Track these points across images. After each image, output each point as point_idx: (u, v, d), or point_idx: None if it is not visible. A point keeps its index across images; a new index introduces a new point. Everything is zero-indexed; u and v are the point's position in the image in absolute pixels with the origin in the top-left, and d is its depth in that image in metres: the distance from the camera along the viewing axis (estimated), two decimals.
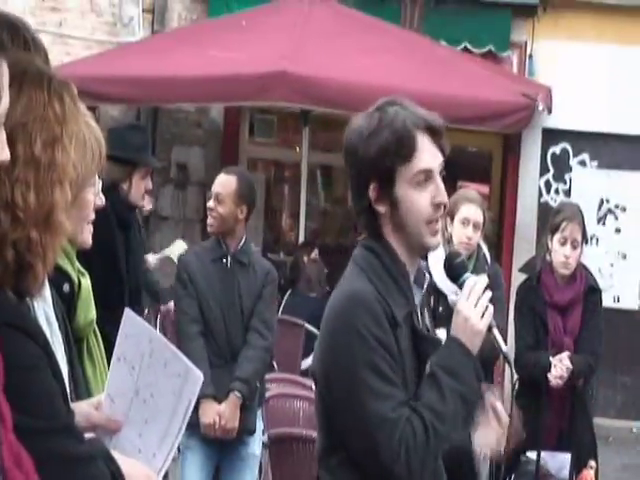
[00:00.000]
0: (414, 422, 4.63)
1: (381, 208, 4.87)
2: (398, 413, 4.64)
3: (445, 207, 5.03)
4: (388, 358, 4.68)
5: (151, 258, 13.78)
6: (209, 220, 9.61)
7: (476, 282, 4.91)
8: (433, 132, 4.86)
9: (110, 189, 8.27)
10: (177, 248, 15.27)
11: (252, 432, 9.44)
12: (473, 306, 4.80)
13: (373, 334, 4.66)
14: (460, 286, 5.01)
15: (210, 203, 9.56)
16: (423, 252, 5.18)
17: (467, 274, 5.07)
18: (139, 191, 9.25)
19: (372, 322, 4.68)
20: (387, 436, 4.60)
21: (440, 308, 5.71)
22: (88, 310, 4.57)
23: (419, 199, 4.85)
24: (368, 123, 4.90)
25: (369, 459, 4.71)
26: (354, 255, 5.04)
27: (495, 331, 4.86)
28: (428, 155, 4.85)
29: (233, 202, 9.49)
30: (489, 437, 4.99)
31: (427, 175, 4.86)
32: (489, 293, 4.85)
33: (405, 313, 4.85)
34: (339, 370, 4.72)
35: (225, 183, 9.59)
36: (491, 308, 4.80)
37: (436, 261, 5.29)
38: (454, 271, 5.12)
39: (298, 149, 19.48)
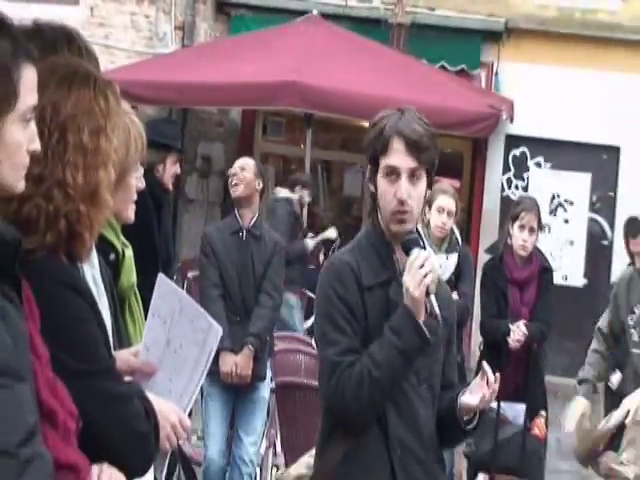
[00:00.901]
0: (355, 367, 4.75)
1: (372, 187, 5.02)
2: (341, 358, 4.77)
3: (403, 204, 4.99)
4: (345, 312, 4.82)
5: (310, 241, 13.93)
6: (234, 186, 9.65)
7: (416, 256, 4.90)
8: (407, 141, 4.90)
9: (146, 172, 8.17)
10: (330, 233, 15.77)
11: (263, 379, 9.47)
12: (411, 277, 4.81)
13: (336, 293, 4.85)
14: (407, 252, 5.08)
15: (235, 170, 9.68)
16: (392, 236, 5.11)
17: (414, 249, 5.02)
18: (170, 174, 9.29)
19: (337, 283, 4.87)
20: (327, 376, 4.80)
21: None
22: (130, 275, 4.58)
23: (387, 190, 4.95)
24: (375, 120, 5.03)
25: (322, 394, 4.94)
26: (356, 238, 5.15)
27: (432, 297, 4.82)
28: (396, 156, 4.92)
29: (253, 173, 9.64)
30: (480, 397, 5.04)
31: (394, 171, 4.93)
32: (429, 265, 4.84)
33: (382, 280, 4.95)
34: (315, 324, 5.05)
35: (245, 161, 9.88)
36: (429, 277, 4.79)
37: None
38: (405, 246, 5.10)
39: (302, 146, 19.39)
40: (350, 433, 4.82)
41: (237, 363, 9.13)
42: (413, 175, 4.92)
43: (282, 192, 15.56)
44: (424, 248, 5.18)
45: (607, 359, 8.73)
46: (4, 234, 2.81)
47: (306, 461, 5.07)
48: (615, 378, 8.54)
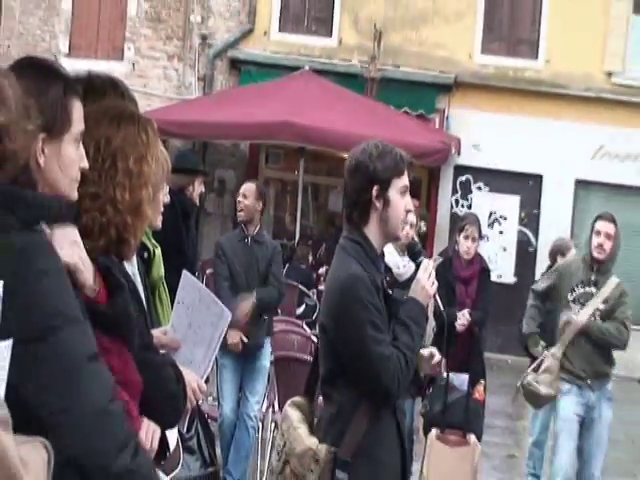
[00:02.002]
0: (400, 357, 4.65)
1: (378, 204, 4.80)
2: (390, 351, 4.65)
3: (409, 212, 5.18)
4: (378, 315, 4.68)
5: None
6: (239, 212, 9.58)
7: (429, 264, 4.99)
8: (408, 166, 4.93)
9: (179, 191, 8.59)
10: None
11: (261, 346, 9.39)
12: (427, 278, 4.87)
13: (369, 301, 4.66)
14: (417, 264, 5.12)
15: (239, 198, 9.53)
16: (393, 240, 5.21)
17: (422, 257, 5.13)
18: (197, 193, 9.35)
19: (367, 293, 4.68)
20: (387, 367, 4.60)
21: (387, 277, 5.72)
22: (159, 270, 4.60)
23: (400, 204, 4.85)
24: (373, 150, 4.85)
25: (372, 383, 4.67)
26: (342, 245, 4.94)
27: (437, 296, 4.99)
28: (406, 177, 4.89)
29: (254, 198, 9.47)
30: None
31: (406, 189, 4.90)
32: (434, 272, 4.94)
33: (379, 281, 4.83)
34: (351, 328, 4.67)
35: (249, 186, 9.64)
36: (436, 282, 4.91)
37: (388, 247, 5.29)
38: (415, 255, 5.24)
39: (296, 172, 19.40)
40: (372, 411, 4.72)
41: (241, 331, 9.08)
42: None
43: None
44: (424, 255, 5.29)
45: (542, 311, 8.75)
46: (68, 209, 2.90)
47: (307, 435, 4.88)
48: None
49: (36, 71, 2.98)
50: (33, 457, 2.33)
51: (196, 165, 9.74)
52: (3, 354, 2.41)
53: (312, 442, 4.68)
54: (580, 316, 8.41)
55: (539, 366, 8.72)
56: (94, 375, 2.69)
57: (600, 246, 8.50)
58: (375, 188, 4.79)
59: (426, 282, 4.87)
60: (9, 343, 2.43)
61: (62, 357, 2.63)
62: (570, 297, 8.52)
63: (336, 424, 4.73)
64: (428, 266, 4.95)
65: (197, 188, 9.34)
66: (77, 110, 2.98)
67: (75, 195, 3.00)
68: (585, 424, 8.54)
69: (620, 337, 8.69)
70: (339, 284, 4.80)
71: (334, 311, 4.79)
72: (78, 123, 2.98)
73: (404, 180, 4.87)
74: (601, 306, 8.48)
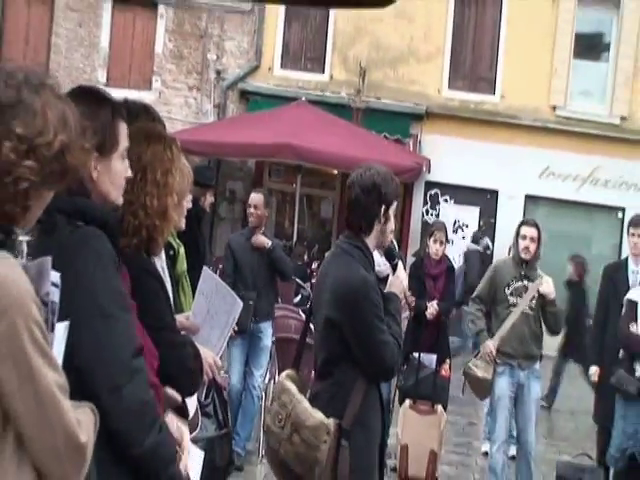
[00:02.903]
0: (395, 343, 4.71)
1: (382, 220, 4.85)
2: (389, 338, 4.68)
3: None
4: (380, 309, 4.72)
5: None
6: (250, 219, 9.44)
7: (400, 266, 5.12)
8: None
9: (193, 201, 8.42)
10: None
11: (269, 317, 9.41)
12: (403, 278, 5.05)
13: (376, 299, 4.70)
14: (394, 265, 5.17)
15: (251, 209, 9.40)
16: (382, 247, 5.17)
17: (397, 260, 5.21)
18: (208, 203, 9.31)
19: (374, 293, 4.71)
20: (389, 351, 4.66)
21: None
22: (182, 265, 4.63)
23: (393, 221, 4.96)
24: (385, 176, 4.90)
25: (378, 364, 4.71)
26: (345, 249, 4.90)
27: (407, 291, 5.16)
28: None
29: (263, 207, 9.37)
30: None
31: (394, 212, 4.98)
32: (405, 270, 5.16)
33: (377, 282, 4.87)
34: (363, 322, 4.67)
35: (259, 198, 9.45)
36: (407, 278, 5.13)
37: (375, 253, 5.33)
38: (392, 257, 5.23)
39: (294, 185, 19.38)
40: (368, 385, 4.74)
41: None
42: None
43: (472, 246, 15.09)
44: (399, 257, 5.40)
45: (484, 314, 8.72)
46: (113, 218, 2.99)
47: (313, 409, 4.80)
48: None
49: (89, 98, 3.00)
50: (85, 418, 2.37)
51: (208, 180, 9.71)
52: (61, 333, 2.43)
53: (321, 416, 4.64)
54: (519, 305, 8.41)
55: (478, 354, 8.70)
56: (138, 374, 2.75)
57: (526, 248, 8.46)
58: (383, 208, 4.84)
59: (404, 279, 5.01)
60: (66, 324, 2.45)
61: (106, 345, 2.69)
62: (507, 291, 8.50)
63: (337, 399, 4.72)
64: (401, 268, 5.11)
65: (208, 199, 9.32)
66: (123, 130, 3.01)
67: (121, 201, 3.06)
68: (517, 399, 8.52)
69: (560, 324, 8.84)
70: (351, 286, 4.73)
71: (346, 308, 4.71)
72: (124, 141, 3.02)
73: (395, 204, 4.97)
74: (535, 299, 8.43)
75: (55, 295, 2.39)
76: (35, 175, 2.27)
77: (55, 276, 2.40)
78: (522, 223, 8.76)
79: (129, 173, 3.04)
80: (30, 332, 2.18)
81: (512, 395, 8.48)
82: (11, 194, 2.25)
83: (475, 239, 15.89)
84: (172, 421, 3.28)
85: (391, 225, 4.94)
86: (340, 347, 4.74)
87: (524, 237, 8.51)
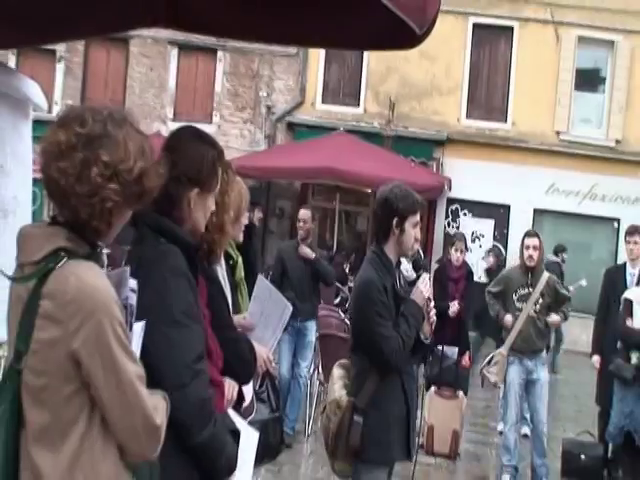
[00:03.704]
0: (399, 339, 4.66)
1: (396, 231, 4.82)
2: (391, 333, 4.65)
3: (417, 240, 5.10)
4: (384, 308, 4.69)
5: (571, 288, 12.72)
6: (300, 232, 9.37)
7: (426, 277, 4.98)
8: (421, 206, 4.98)
9: None
10: (582, 282, 14.02)
11: (313, 316, 9.31)
12: (424, 288, 4.86)
13: (378, 298, 4.68)
14: (418, 275, 5.11)
15: (300, 224, 9.36)
16: (404, 256, 5.15)
17: (421, 271, 5.16)
18: (257, 217, 9.42)
19: (377, 292, 4.69)
20: (388, 345, 4.64)
21: (402, 280, 5.74)
22: (240, 272, 4.61)
23: (411, 233, 4.87)
24: (397, 192, 4.85)
25: (377, 355, 4.70)
26: (368, 256, 4.95)
27: (430, 298, 4.93)
28: (418, 215, 4.93)
29: (310, 222, 9.39)
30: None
31: (417, 223, 4.91)
32: (430, 283, 4.98)
33: (391, 284, 4.79)
34: (364, 316, 4.72)
35: (307, 214, 9.43)
36: (430, 289, 4.94)
37: (403, 260, 5.30)
38: (418, 268, 5.37)
39: (334, 203, 19.34)
40: (382, 374, 4.75)
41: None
42: None
43: (552, 258, 14.87)
44: (425, 269, 5.45)
45: (497, 302, 8.67)
46: (194, 244, 2.98)
47: (339, 389, 4.91)
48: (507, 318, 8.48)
49: (198, 138, 3.03)
50: (160, 404, 2.41)
51: (255, 198, 9.71)
52: (139, 331, 2.49)
53: (340, 394, 4.79)
54: (525, 310, 8.35)
55: (490, 361, 8.62)
56: (200, 375, 2.75)
57: (530, 257, 8.43)
58: (395, 220, 4.80)
59: (424, 289, 4.87)
60: (143, 323, 2.50)
61: (174, 349, 2.70)
62: (515, 297, 8.47)
63: (356, 382, 4.81)
64: (425, 278, 4.98)
65: (256, 214, 9.34)
66: (220, 172, 3.02)
67: (203, 229, 3.06)
68: (528, 385, 8.46)
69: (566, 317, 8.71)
70: (358, 286, 4.88)
71: (355, 304, 4.88)
72: (219, 182, 3.04)
73: (417, 217, 4.90)
74: (540, 300, 8.38)
75: (133, 299, 2.46)
76: (118, 196, 2.31)
77: (133, 283, 2.47)
78: (525, 235, 8.72)
79: (214, 208, 3.04)
80: (114, 330, 2.22)
81: (522, 382, 8.44)
82: (98, 212, 2.29)
83: (556, 251, 15.58)
84: (227, 383, 3.33)
85: (409, 237, 4.86)
86: (356, 339, 4.89)
87: (527, 247, 8.49)
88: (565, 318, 8.63)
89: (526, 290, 8.45)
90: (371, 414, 4.70)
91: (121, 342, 2.24)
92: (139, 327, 2.49)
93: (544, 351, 8.58)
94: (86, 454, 2.25)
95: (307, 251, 9.14)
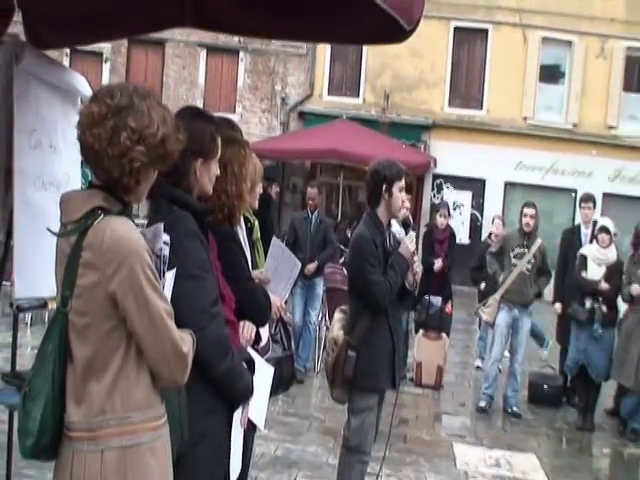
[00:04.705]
0: (386, 283, 4.64)
1: (386, 195, 4.77)
2: (379, 279, 4.64)
3: (404, 202, 5.08)
4: (373, 258, 4.67)
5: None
6: (310, 203, 9.35)
7: (413, 234, 4.97)
8: (405, 174, 4.87)
9: (264, 189, 8.43)
10: None
11: (320, 275, 9.29)
12: (409, 243, 4.83)
13: (369, 250, 4.67)
14: (407, 233, 5.04)
15: (310, 201, 9.35)
16: (394, 217, 5.01)
17: (410, 230, 5.11)
18: (274, 192, 9.36)
19: (367, 245, 4.68)
20: (377, 288, 4.62)
21: (392, 238, 5.68)
22: (257, 234, 4.54)
23: (399, 197, 4.81)
24: (384, 163, 4.83)
25: (368, 297, 4.69)
26: (363, 218, 4.90)
27: (415, 254, 4.88)
28: (404, 180, 4.85)
29: (319, 195, 9.38)
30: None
31: (403, 188, 4.84)
32: (414, 240, 4.91)
33: (381, 241, 4.76)
34: (357, 265, 4.72)
35: (315, 191, 9.41)
36: (414, 244, 4.86)
37: (393, 221, 5.23)
38: (406, 227, 5.12)
39: (339, 179, 19.28)
40: (372, 315, 4.72)
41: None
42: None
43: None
44: (413, 229, 5.34)
45: (497, 262, 8.62)
46: (202, 209, 2.88)
47: (337, 328, 4.91)
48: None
49: (198, 117, 2.96)
50: (187, 337, 2.41)
51: (273, 175, 9.68)
52: (170, 277, 2.50)
53: (337, 333, 4.80)
54: (519, 266, 8.32)
55: (485, 302, 8.64)
56: (216, 317, 2.73)
57: (527, 224, 8.40)
58: (384, 186, 4.76)
59: (409, 244, 4.82)
60: (174, 271, 2.51)
61: (193, 297, 2.68)
62: (512, 254, 8.41)
63: (350, 322, 4.82)
64: (412, 235, 4.94)
65: (274, 189, 9.28)
66: (219, 142, 2.95)
67: (211, 191, 2.99)
68: (513, 329, 8.45)
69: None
70: (352, 240, 4.88)
71: (351, 256, 4.87)
72: (219, 150, 2.96)
73: (402, 182, 4.82)
74: (532, 261, 8.35)
75: (166, 250, 2.47)
76: (144, 157, 2.29)
77: (166, 237, 2.47)
78: (524, 205, 8.66)
79: (218, 172, 2.98)
80: (144, 273, 2.22)
81: (508, 326, 8.43)
82: (127, 171, 2.27)
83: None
84: (246, 325, 3.33)
85: (396, 200, 4.80)
86: (351, 286, 4.87)
87: (525, 215, 8.45)
88: (540, 293, 8.62)
89: (522, 250, 8.40)
90: (362, 349, 4.71)
91: (151, 283, 2.24)
92: (170, 274, 2.49)
93: (531, 303, 8.53)
94: (123, 381, 2.26)
95: (311, 267, 9.00)
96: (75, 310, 2.24)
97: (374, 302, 4.70)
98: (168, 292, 2.45)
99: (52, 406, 2.24)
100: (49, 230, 2.34)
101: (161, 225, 2.49)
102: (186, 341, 2.36)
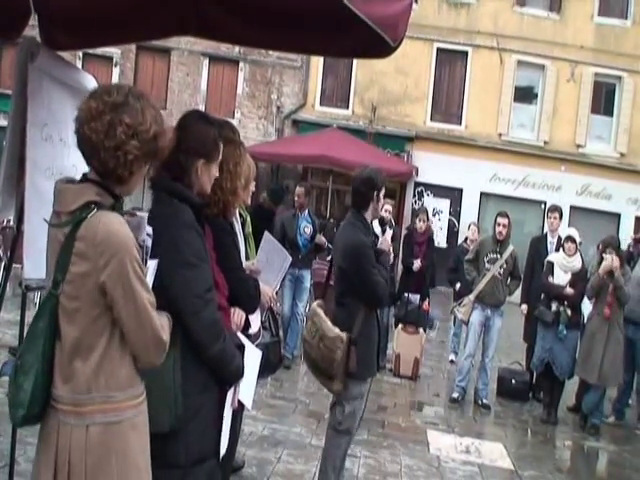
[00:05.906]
0: (383, 282, 4.64)
1: (375, 200, 4.75)
2: (379, 279, 4.62)
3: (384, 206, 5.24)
4: (373, 260, 4.64)
5: None
6: (297, 203, 9.32)
7: (389, 232, 4.99)
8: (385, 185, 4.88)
9: (269, 208, 8.93)
10: None
11: (309, 267, 9.26)
12: (388, 239, 4.90)
13: (369, 253, 4.64)
14: (383, 229, 5.12)
15: (296, 198, 9.31)
16: (376, 217, 4.98)
17: (386, 226, 5.15)
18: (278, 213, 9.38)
19: (368, 249, 4.65)
20: (380, 287, 4.61)
21: (374, 238, 5.65)
22: (249, 227, 4.50)
23: (382, 200, 4.82)
24: (376, 172, 4.80)
25: (373, 295, 4.66)
26: (352, 222, 4.78)
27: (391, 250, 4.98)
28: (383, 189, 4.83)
29: (304, 196, 9.29)
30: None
31: (385, 195, 4.87)
32: (390, 237, 4.96)
33: (371, 241, 4.74)
34: (362, 268, 4.61)
35: (301, 190, 9.38)
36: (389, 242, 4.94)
37: (375, 222, 5.21)
38: (383, 226, 5.16)
39: (328, 182, 19.26)
40: (368, 311, 4.68)
41: None
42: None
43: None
44: (390, 226, 5.32)
45: (475, 269, 8.58)
46: (199, 202, 2.83)
47: (333, 326, 4.72)
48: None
49: (202, 120, 2.93)
50: (165, 322, 2.42)
51: (279, 200, 9.87)
52: (153, 267, 2.51)
53: (337, 331, 4.64)
54: (492, 270, 8.32)
55: (461, 302, 8.65)
56: (210, 303, 2.71)
57: (500, 232, 8.42)
58: (375, 192, 4.73)
59: (386, 241, 4.87)
60: (156, 261, 2.52)
61: (189, 284, 2.65)
62: (486, 259, 8.42)
63: (349, 320, 4.69)
64: (389, 233, 4.97)
65: (278, 212, 9.23)
66: (221, 146, 2.94)
67: (209, 191, 2.96)
68: (485, 327, 8.45)
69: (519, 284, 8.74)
70: (355, 246, 4.66)
71: (352, 260, 4.65)
72: (221, 154, 2.95)
73: (384, 189, 4.82)
74: (504, 266, 8.37)
75: (148, 241, 2.50)
76: (138, 150, 2.30)
77: (149, 229, 2.49)
78: (498, 214, 8.68)
79: (217, 174, 2.96)
80: (132, 266, 2.23)
81: (481, 324, 8.44)
82: (122, 162, 2.28)
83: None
84: (237, 311, 3.26)
85: (382, 203, 4.82)
86: (347, 286, 4.71)
87: (499, 224, 8.46)
88: (510, 292, 8.60)
89: (494, 255, 8.42)
90: (360, 343, 4.65)
91: (138, 276, 2.25)
92: (153, 264, 2.50)
93: (503, 303, 8.51)
94: (107, 362, 2.28)
95: (322, 240, 9.09)
96: (66, 294, 2.25)
97: (378, 300, 4.71)
98: (150, 279, 2.45)
99: (42, 380, 2.26)
100: (45, 220, 2.34)
101: (145, 217, 2.48)
102: (165, 327, 2.38)
